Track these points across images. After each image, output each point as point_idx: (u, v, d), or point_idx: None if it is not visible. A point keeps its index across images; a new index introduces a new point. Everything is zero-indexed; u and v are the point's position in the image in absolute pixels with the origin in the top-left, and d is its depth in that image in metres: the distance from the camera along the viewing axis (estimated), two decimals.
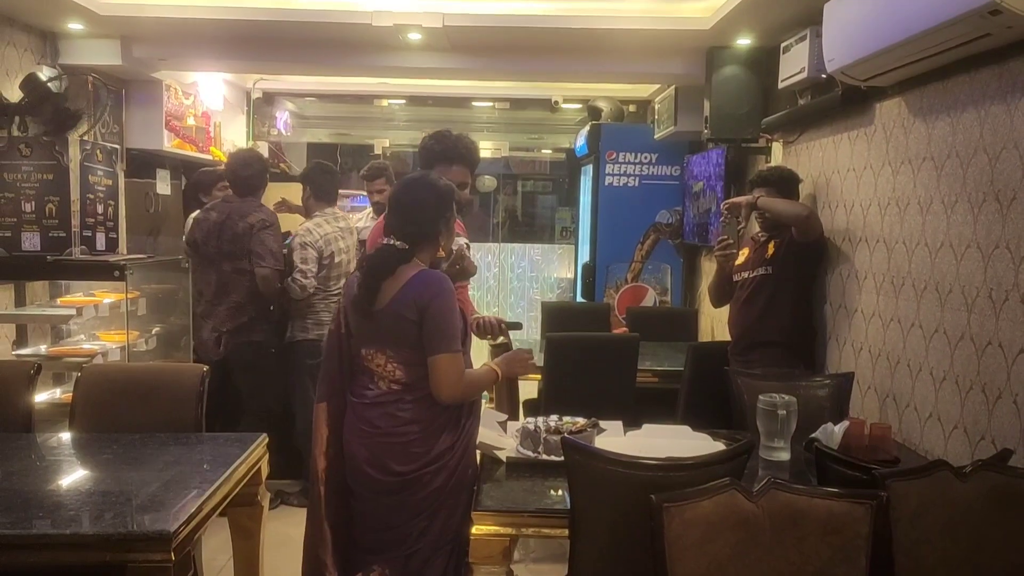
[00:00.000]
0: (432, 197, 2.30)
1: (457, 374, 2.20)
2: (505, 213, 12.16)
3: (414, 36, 4.20)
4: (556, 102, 6.30)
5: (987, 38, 2.16)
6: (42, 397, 3.48)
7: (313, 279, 3.91)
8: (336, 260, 4.04)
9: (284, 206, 4.62)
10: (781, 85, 3.73)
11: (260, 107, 6.55)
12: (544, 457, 2.38)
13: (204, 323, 3.94)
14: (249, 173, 4.01)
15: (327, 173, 4.15)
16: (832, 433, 2.36)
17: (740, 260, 3.59)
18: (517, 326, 3.19)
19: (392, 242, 2.26)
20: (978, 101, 2.42)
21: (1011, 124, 2.26)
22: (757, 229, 3.57)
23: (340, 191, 4.43)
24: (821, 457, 2.18)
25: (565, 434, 2.38)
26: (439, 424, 2.25)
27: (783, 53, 3.68)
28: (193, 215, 4.17)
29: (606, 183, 5.67)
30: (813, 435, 2.39)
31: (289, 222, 5.25)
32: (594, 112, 5.99)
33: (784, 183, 3.48)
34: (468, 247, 2.48)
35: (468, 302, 2.91)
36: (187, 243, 4.10)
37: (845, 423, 2.38)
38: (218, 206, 4.03)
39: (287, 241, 4.13)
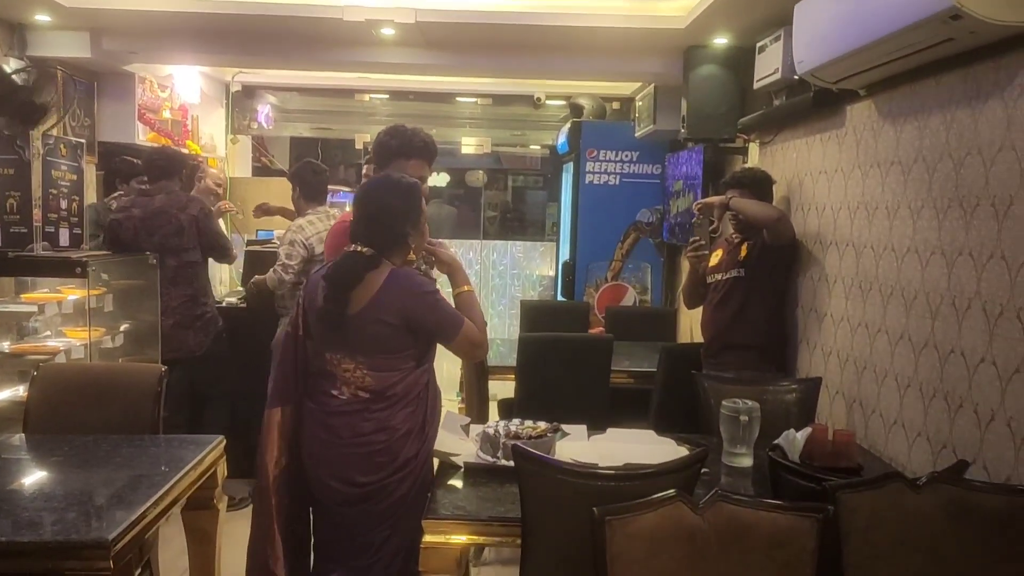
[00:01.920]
0: (396, 199, 2.23)
1: (476, 334, 2.26)
2: (497, 209, 12.05)
3: (387, 31, 4.14)
4: (539, 99, 6.26)
5: (951, 43, 2.12)
6: (4, 395, 3.42)
7: (293, 276, 3.86)
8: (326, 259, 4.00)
9: (263, 210, 4.56)
10: (756, 85, 3.69)
11: (240, 100, 6.48)
12: (503, 462, 2.32)
13: (162, 319, 3.92)
14: (169, 154, 4.10)
15: (317, 173, 4.09)
16: (795, 439, 2.32)
17: (714, 262, 3.56)
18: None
19: (358, 249, 2.19)
20: (944, 106, 2.39)
21: (975, 130, 2.23)
22: (732, 231, 3.54)
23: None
24: (773, 467, 2.15)
25: (523, 439, 2.34)
26: (404, 432, 2.21)
27: (758, 53, 3.64)
28: (113, 213, 4.02)
29: (587, 181, 5.63)
30: (776, 441, 2.36)
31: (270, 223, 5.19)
32: (576, 109, 5.95)
33: (758, 185, 3.45)
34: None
35: None
36: (109, 245, 3.95)
37: (808, 429, 2.33)
38: (138, 202, 3.97)
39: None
